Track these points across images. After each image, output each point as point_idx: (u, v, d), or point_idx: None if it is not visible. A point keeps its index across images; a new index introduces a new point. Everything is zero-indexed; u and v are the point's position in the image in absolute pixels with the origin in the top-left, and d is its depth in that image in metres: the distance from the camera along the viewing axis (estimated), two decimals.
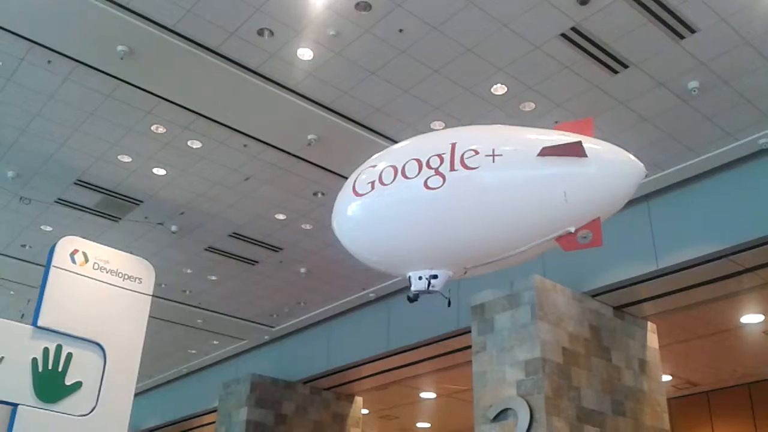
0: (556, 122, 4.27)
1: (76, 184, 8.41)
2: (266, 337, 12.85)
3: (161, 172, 8.14)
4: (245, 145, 7.60)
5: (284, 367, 12.33)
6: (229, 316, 12.02)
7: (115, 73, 6.59)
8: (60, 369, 7.53)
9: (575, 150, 3.88)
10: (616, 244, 8.31)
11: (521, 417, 7.76)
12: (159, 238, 9.50)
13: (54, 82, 6.73)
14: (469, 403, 8.88)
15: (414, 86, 6.64)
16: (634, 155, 4.10)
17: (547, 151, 3.86)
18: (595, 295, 8.66)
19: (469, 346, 8.48)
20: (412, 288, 4.17)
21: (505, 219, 3.96)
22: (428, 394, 14.24)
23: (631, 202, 8.13)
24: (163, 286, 9.31)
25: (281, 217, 8.71)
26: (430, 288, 4.13)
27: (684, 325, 9.91)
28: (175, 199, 8.68)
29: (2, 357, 7.19)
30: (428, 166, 3.92)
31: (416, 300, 4.31)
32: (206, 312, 11.95)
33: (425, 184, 3.88)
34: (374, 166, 4.18)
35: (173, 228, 9.23)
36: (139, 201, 8.74)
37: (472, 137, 4.11)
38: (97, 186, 8.46)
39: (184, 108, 7.06)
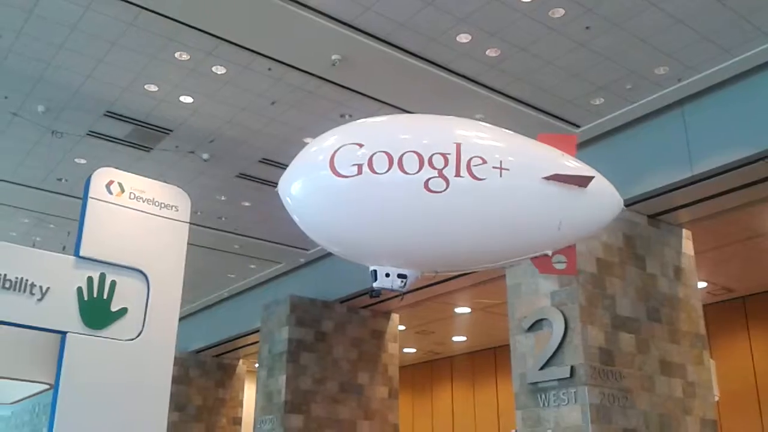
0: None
1: (106, 115, 8.46)
2: (301, 259, 13.08)
3: (188, 100, 8.13)
4: (269, 69, 7.52)
5: (321, 287, 12.58)
6: (265, 240, 12.22)
7: None
8: (105, 296, 7.76)
9: (582, 181, 3.87)
10: (650, 151, 8.19)
11: (556, 326, 7.89)
12: (191, 167, 9.58)
13: (75, 12, 6.68)
14: (503, 316, 9.03)
15: None
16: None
17: (556, 178, 3.79)
18: (628, 204, 8.58)
19: None
20: (377, 284, 3.99)
21: (499, 235, 3.88)
22: (463, 309, 14.48)
23: (665, 108, 8.00)
24: (198, 213, 9.46)
25: (309, 140, 8.65)
26: (398, 287, 3.98)
27: (719, 230, 9.82)
28: (204, 127, 8.71)
29: (48, 288, 7.43)
30: (431, 164, 3.65)
31: (378, 295, 4.24)
32: (242, 237, 12.15)
33: (426, 185, 3.63)
34: (360, 145, 3.77)
35: (204, 156, 9.29)
36: (168, 130, 8.78)
37: (477, 140, 3.90)
38: (126, 117, 8.50)
39: (206, 33, 6.97)
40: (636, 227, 8.76)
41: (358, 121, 4.17)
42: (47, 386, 10.84)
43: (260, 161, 9.40)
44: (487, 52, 7.17)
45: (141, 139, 8.98)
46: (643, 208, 8.66)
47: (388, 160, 3.66)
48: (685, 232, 9.34)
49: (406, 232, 3.79)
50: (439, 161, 3.65)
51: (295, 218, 4.09)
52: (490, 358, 17.51)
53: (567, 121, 8.39)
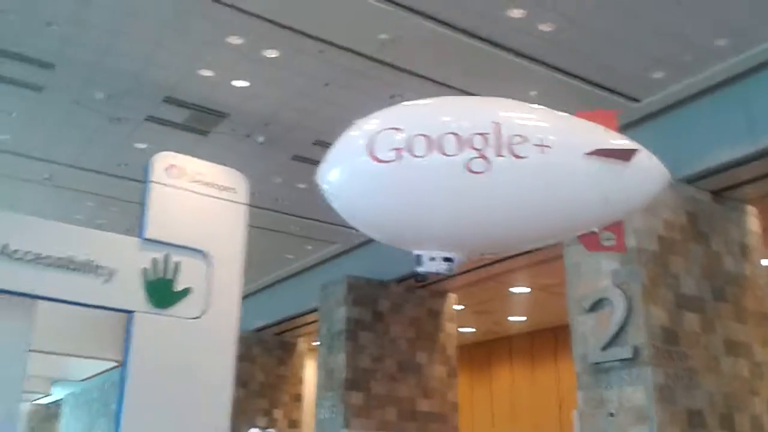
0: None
1: (164, 101, 8.64)
2: (357, 240, 13.15)
3: (243, 84, 8.23)
4: (321, 51, 7.54)
5: (377, 267, 12.63)
6: (321, 221, 12.32)
7: None
8: (169, 276, 8.00)
9: (624, 155, 3.78)
10: (712, 125, 7.92)
11: (617, 306, 7.75)
12: (247, 150, 9.71)
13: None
14: (561, 296, 8.91)
15: None
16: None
17: (599, 153, 3.70)
18: (691, 181, 8.33)
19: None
20: (422, 268, 3.96)
21: (545, 214, 3.80)
22: (521, 289, 14.35)
23: (727, 81, 7.70)
24: (256, 195, 9.59)
25: None
26: (444, 271, 3.95)
27: None
28: (259, 111, 8.81)
29: (114, 269, 7.70)
30: (471, 145, 3.60)
31: (425, 280, 4.19)
32: (298, 219, 12.29)
33: (467, 166, 3.58)
34: (398, 129, 3.74)
35: (260, 139, 9.40)
36: (225, 114, 8.91)
37: (516, 119, 3.82)
38: (184, 102, 8.66)
39: (258, 16, 7.01)
40: (699, 204, 8.50)
41: (396, 105, 4.12)
42: (115, 363, 11.26)
43: (314, 143, 9.46)
44: (540, 27, 7.01)
45: (198, 123, 9.15)
46: (707, 184, 8.39)
47: (427, 142, 3.63)
48: (750, 209, 9.02)
49: (448, 215, 3.75)
50: (479, 141, 3.60)
51: (335, 206, 4.06)
52: (549, 338, 17.33)
53: (626, 96, 8.16)
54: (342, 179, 3.96)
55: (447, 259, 3.93)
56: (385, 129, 3.78)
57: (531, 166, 3.63)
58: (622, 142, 3.91)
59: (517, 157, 3.61)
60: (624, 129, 8.68)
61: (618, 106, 8.13)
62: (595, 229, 3.93)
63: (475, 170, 3.59)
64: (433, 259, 3.93)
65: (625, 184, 3.84)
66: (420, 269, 3.97)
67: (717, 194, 8.63)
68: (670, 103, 8.19)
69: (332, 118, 8.78)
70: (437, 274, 3.97)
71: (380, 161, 3.70)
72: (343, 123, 4.05)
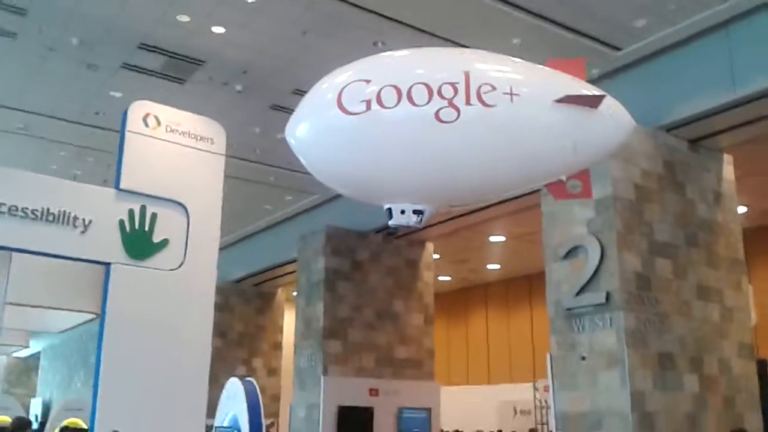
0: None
1: (139, 48, 8.45)
2: (335, 191, 13.13)
3: (220, 30, 8.07)
4: None
5: (356, 217, 12.67)
6: (299, 172, 12.24)
7: None
8: (146, 228, 7.93)
9: (592, 101, 3.79)
10: (693, 74, 7.97)
11: (592, 253, 7.89)
12: (225, 99, 9.59)
13: None
14: (537, 244, 9.04)
15: None
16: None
17: (567, 100, 3.71)
18: (669, 129, 8.41)
19: (538, 189, 8.50)
20: (393, 221, 3.96)
21: (513, 162, 3.82)
22: (497, 238, 14.52)
23: (709, 29, 7.72)
24: (234, 146, 9.49)
25: None
26: (415, 223, 3.93)
27: (762, 155, 9.60)
28: (236, 58, 8.66)
29: (91, 220, 7.62)
30: (440, 95, 3.57)
31: (396, 233, 4.20)
32: (277, 169, 12.22)
33: (437, 116, 3.56)
34: (367, 81, 3.69)
35: (238, 87, 9.27)
36: (201, 61, 8.75)
37: (486, 69, 3.80)
38: (159, 48, 8.48)
39: None
40: (676, 153, 8.60)
41: (365, 58, 4.03)
42: (94, 315, 11.26)
43: (293, 92, 9.35)
44: None
45: (174, 71, 8.98)
46: (685, 132, 8.48)
47: (397, 93, 3.59)
48: (726, 157, 9.16)
49: (418, 166, 3.73)
50: (448, 91, 3.58)
51: (304, 162, 4.02)
52: (524, 285, 17.64)
53: (608, 44, 8.15)
54: (311, 134, 3.90)
55: (417, 212, 3.94)
56: (355, 81, 3.72)
57: (500, 115, 3.64)
58: (589, 89, 3.94)
59: (487, 105, 3.61)
60: (604, 78, 8.77)
61: (599, 54, 8.12)
62: (563, 178, 3.98)
63: (444, 120, 3.58)
64: (403, 212, 3.93)
65: (593, 132, 3.89)
66: (391, 222, 3.98)
67: (694, 143, 8.73)
68: (651, 51, 8.20)
69: (312, 67, 8.67)
70: (408, 226, 3.98)
71: (349, 114, 3.66)
72: (323, 72, 4.00)
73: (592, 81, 8.45)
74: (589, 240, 7.97)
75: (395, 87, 3.60)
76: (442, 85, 3.59)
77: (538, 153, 3.82)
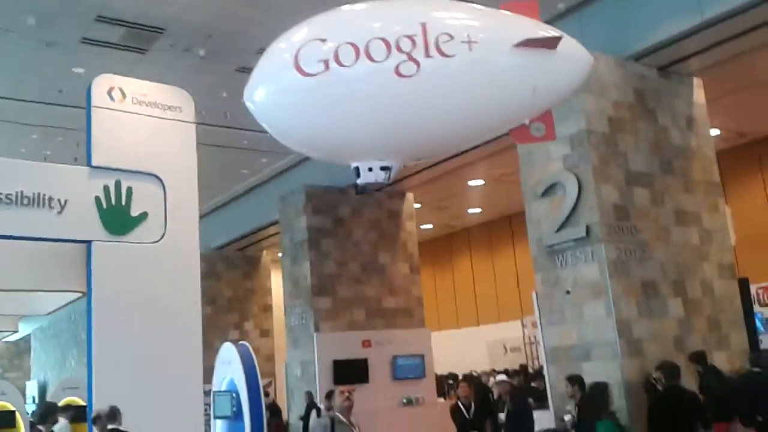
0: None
1: (97, 20, 8.24)
2: None
3: None
4: None
5: (334, 174, 12.65)
6: None
7: None
8: (123, 203, 7.86)
9: (550, 43, 3.77)
10: (658, 0, 7.92)
11: (569, 189, 7.96)
12: (189, 66, 9.41)
13: None
14: (516, 185, 9.09)
15: None
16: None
17: (526, 43, 3.68)
18: (638, 58, 8.41)
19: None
20: (361, 180, 3.94)
21: (476, 111, 3.80)
22: (476, 182, 14.58)
23: None
24: (203, 112, 9.36)
25: None
26: (383, 180, 3.92)
27: (731, 76, 9.65)
28: (197, 23, 8.48)
29: (66, 200, 7.53)
30: (398, 49, 3.52)
31: (364, 191, 4.21)
32: (249, 132, 12.08)
33: (396, 70, 3.52)
34: (323, 40, 3.61)
35: (201, 53, 9.09)
36: (161, 29, 8.56)
37: (442, 17, 3.74)
38: (118, 19, 8.28)
39: None
40: (646, 81, 8.62)
41: (317, 16, 3.95)
42: (80, 294, 11.22)
43: (258, 52, 9.12)
44: None
45: (135, 41, 8.79)
46: (653, 60, 8.49)
47: (354, 51, 3.54)
48: (696, 81, 9.20)
49: (382, 123, 3.71)
50: (406, 44, 3.54)
51: (266, 126, 3.97)
52: (506, 226, 17.80)
53: None
54: (270, 97, 3.85)
55: (384, 168, 3.93)
56: (311, 40, 3.65)
57: (460, 64, 3.61)
58: (545, 30, 3.91)
59: (446, 56, 3.58)
60: (571, 11, 8.70)
61: None
62: (526, 122, 3.98)
63: (404, 74, 3.54)
64: (370, 169, 3.93)
65: (553, 72, 3.89)
66: (359, 181, 3.97)
67: (663, 69, 8.75)
68: None
69: (276, 25, 8.47)
70: (376, 183, 3.97)
71: (307, 75, 3.60)
72: (288, 29, 3.92)
73: (559, 14, 8.47)
74: (566, 176, 8.03)
75: (352, 44, 3.55)
76: (399, 38, 3.54)
77: (499, 100, 3.81)
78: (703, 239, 8.70)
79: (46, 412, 5.59)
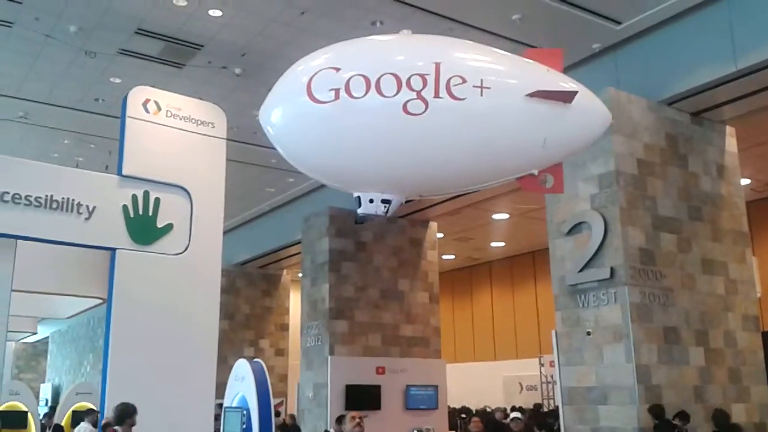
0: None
1: (137, 33, 8.41)
2: None
3: (217, 13, 8.02)
4: None
5: None
6: None
7: None
8: (150, 213, 7.97)
9: (565, 97, 3.72)
10: (694, 46, 7.91)
11: (595, 229, 7.89)
12: (224, 83, 9.55)
13: None
14: (541, 221, 9.03)
15: None
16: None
17: (539, 94, 3.65)
18: (671, 102, 8.38)
19: None
20: (361, 210, 3.97)
21: (482, 156, 3.79)
22: (501, 215, 14.51)
23: (709, 1, 7.63)
24: (234, 129, 9.47)
25: None
26: (382, 213, 3.95)
27: (764, 126, 9.55)
28: (234, 41, 8.61)
29: (95, 207, 7.65)
30: (409, 86, 3.53)
31: (363, 222, 4.23)
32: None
33: (405, 108, 3.53)
34: (337, 69, 3.65)
35: (237, 71, 9.23)
36: (200, 45, 8.71)
37: (458, 59, 3.75)
38: (157, 33, 8.44)
39: None
40: (679, 126, 8.57)
41: (336, 44, 4.00)
42: (100, 300, 11.32)
43: None
44: None
45: (173, 55, 8.94)
46: (687, 105, 8.44)
47: (366, 83, 3.56)
48: (729, 129, 9.11)
49: (386, 157, 3.73)
50: (417, 83, 3.54)
51: (278, 148, 4.03)
52: (528, 262, 17.66)
53: (608, 18, 8.06)
54: (282, 120, 3.91)
55: (385, 201, 3.96)
56: (326, 68, 3.70)
57: (469, 109, 3.59)
58: (564, 83, 3.86)
59: (456, 98, 3.56)
60: (605, 52, 8.70)
61: (600, 28, 8.04)
62: (534, 172, 3.94)
63: (412, 112, 3.54)
64: (371, 200, 3.95)
65: (566, 126, 3.83)
66: (359, 210, 4.00)
67: (696, 115, 8.69)
68: (652, 24, 8.13)
69: (310, 48, 8.62)
70: (375, 215, 3.99)
71: (318, 102, 3.64)
72: None
73: (593, 56, 8.48)
74: (592, 216, 7.96)
75: (364, 77, 3.57)
76: (411, 76, 3.55)
77: (506, 148, 3.78)
78: (729, 289, 8.56)
79: (123, 415, 5.62)
